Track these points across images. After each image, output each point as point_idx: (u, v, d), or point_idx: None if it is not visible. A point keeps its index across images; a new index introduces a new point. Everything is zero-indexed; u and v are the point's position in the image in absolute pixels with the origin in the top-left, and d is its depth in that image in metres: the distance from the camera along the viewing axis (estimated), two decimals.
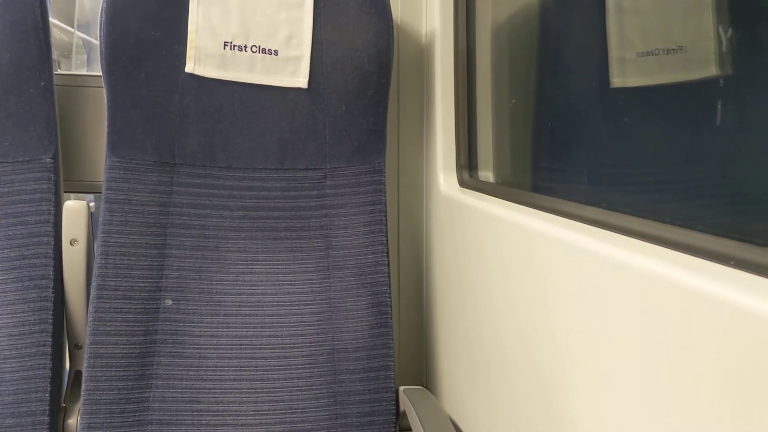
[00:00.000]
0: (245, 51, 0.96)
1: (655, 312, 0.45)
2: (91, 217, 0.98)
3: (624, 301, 0.49)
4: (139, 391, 0.90)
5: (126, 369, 0.89)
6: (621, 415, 0.50)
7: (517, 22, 0.96)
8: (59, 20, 2.26)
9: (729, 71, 0.53)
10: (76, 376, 0.98)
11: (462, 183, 1.01)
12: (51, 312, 0.91)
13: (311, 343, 0.94)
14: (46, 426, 0.88)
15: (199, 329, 0.93)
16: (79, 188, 1.07)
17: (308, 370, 0.93)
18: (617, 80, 0.68)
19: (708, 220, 0.52)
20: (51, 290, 0.91)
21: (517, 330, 0.70)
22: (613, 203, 0.62)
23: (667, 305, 0.44)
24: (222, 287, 0.95)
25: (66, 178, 1.01)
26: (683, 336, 0.42)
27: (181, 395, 0.90)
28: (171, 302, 0.93)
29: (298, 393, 0.93)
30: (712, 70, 0.55)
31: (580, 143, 0.77)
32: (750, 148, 0.50)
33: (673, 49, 0.60)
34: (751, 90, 0.50)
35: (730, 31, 0.53)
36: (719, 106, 0.54)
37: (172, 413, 0.90)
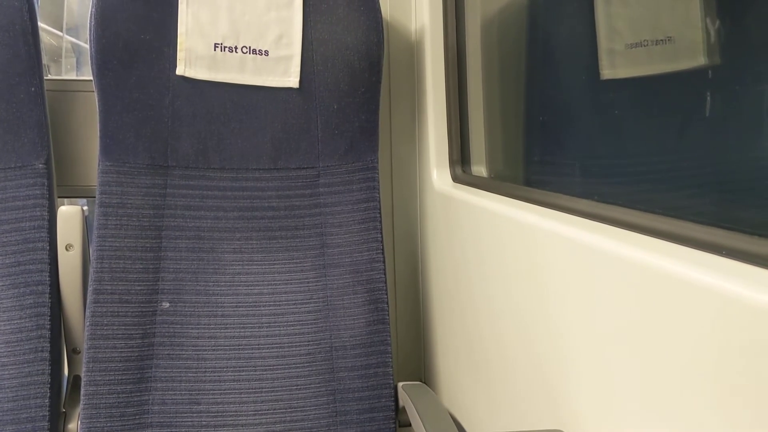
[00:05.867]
0: (236, 52, 0.96)
1: (651, 303, 0.46)
2: (86, 222, 0.97)
3: (621, 292, 0.50)
4: (138, 394, 0.90)
5: (125, 372, 0.89)
6: (621, 405, 0.50)
7: (507, 16, 0.96)
8: (48, 24, 2.25)
9: (717, 61, 0.54)
10: (75, 380, 0.98)
11: (455, 178, 1.02)
12: (48, 317, 0.91)
13: (309, 341, 0.95)
14: (47, 431, 0.88)
15: (196, 331, 0.93)
16: (73, 193, 1.07)
17: (307, 369, 0.94)
18: (607, 72, 0.68)
19: (699, 209, 0.53)
20: (47, 296, 0.91)
21: (515, 322, 0.71)
22: (605, 195, 0.62)
23: (662, 296, 0.44)
24: (219, 288, 0.95)
25: (59, 183, 1.01)
26: (679, 326, 0.43)
27: (180, 397, 0.91)
28: (168, 305, 0.93)
29: (298, 392, 0.93)
30: (700, 60, 0.55)
31: (572, 136, 0.77)
32: (740, 138, 0.50)
33: (661, 40, 0.60)
34: (740, 79, 0.51)
35: (717, 20, 0.53)
36: (708, 96, 0.54)
37: (171, 415, 0.90)
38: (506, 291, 0.72)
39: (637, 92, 0.64)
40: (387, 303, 0.97)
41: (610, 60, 0.67)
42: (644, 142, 0.62)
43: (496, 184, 0.90)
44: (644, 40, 0.62)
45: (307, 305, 0.96)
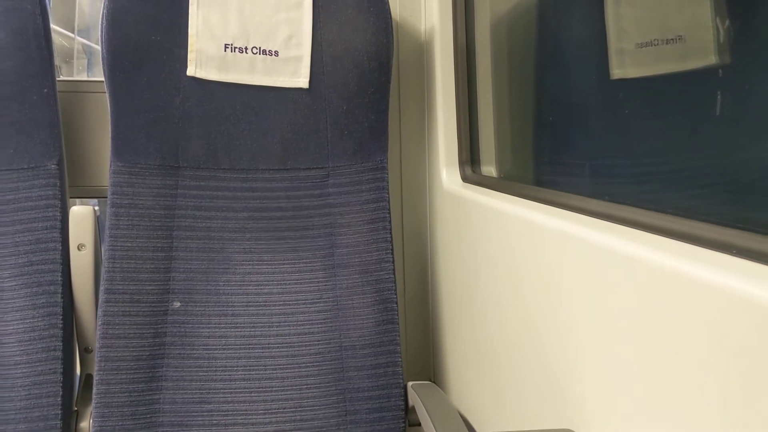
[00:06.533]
0: (246, 53, 0.97)
1: (661, 302, 0.46)
2: (98, 222, 0.98)
3: (631, 292, 0.49)
4: (150, 393, 0.90)
5: (136, 371, 0.90)
6: (631, 405, 0.50)
7: (516, 16, 0.96)
8: (59, 26, 2.26)
9: (728, 60, 0.54)
10: (87, 379, 0.98)
11: (465, 178, 1.02)
12: (60, 317, 0.92)
13: (318, 341, 0.95)
14: (59, 430, 0.89)
15: (207, 330, 0.93)
16: (85, 193, 1.08)
17: (316, 368, 0.94)
18: (617, 72, 0.68)
19: (710, 209, 0.53)
20: (60, 295, 0.92)
21: (524, 322, 0.71)
22: (616, 195, 0.62)
23: (672, 295, 0.44)
24: (229, 288, 0.95)
25: (71, 184, 1.02)
26: (689, 325, 0.43)
27: (191, 396, 0.91)
28: (179, 304, 0.93)
29: (307, 391, 0.93)
30: (711, 59, 0.55)
31: (582, 136, 0.77)
32: (752, 137, 0.50)
33: (671, 39, 0.60)
34: (751, 78, 0.51)
35: (728, 19, 0.53)
36: (719, 95, 0.54)
37: (182, 414, 0.90)
38: (515, 291, 0.72)
39: (648, 92, 0.64)
40: (396, 303, 0.97)
41: (620, 60, 0.67)
42: (655, 142, 0.62)
43: (506, 183, 0.90)
44: (654, 40, 0.62)
45: (316, 305, 0.96)
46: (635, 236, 0.51)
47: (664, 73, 0.62)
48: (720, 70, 0.54)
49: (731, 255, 0.42)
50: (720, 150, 0.54)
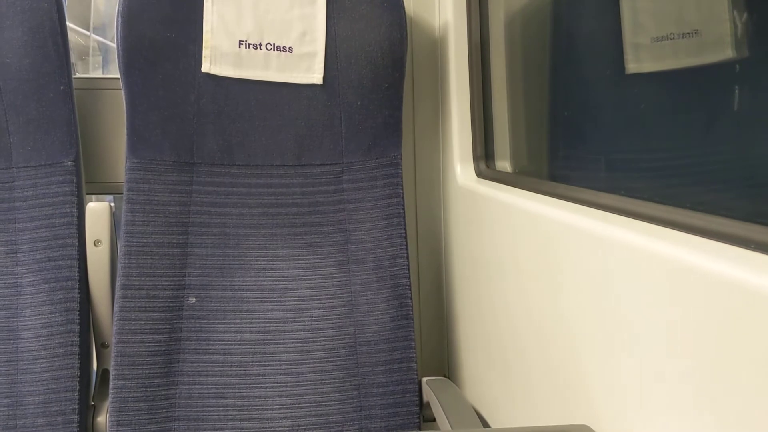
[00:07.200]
0: (260, 49, 0.97)
1: (679, 298, 0.45)
2: (114, 218, 0.99)
3: (644, 288, 0.49)
4: (166, 387, 0.91)
5: (152, 366, 0.91)
6: (648, 401, 0.50)
7: (530, 11, 0.96)
8: (75, 24, 2.28)
9: (745, 53, 0.53)
10: (103, 374, 0.99)
11: (479, 174, 1.01)
12: (77, 312, 0.92)
13: (333, 336, 0.95)
14: (76, 424, 0.90)
15: (222, 325, 0.94)
16: (101, 190, 1.09)
17: (331, 364, 0.94)
18: (632, 66, 0.68)
19: (727, 203, 0.52)
20: (77, 291, 0.93)
21: (537, 318, 0.70)
22: (632, 190, 0.62)
23: (686, 290, 0.44)
24: (244, 284, 0.96)
25: (87, 180, 1.03)
26: (702, 320, 0.42)
27: (207, 391, 0.92)
28: (195, 300, 0.94)
29: (322, 386, 0.93)
30: (728, 53, 0.55)
31: (597, 131, 0.77)
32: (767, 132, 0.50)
33: (688, 33, 0.60)
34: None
35: (744, 13, 0.53)
36: (736, 90, 0.54)
37: (198, 409, 0.91)
38: (530, 286, 0.72)
39: (664, 86, 0.64)
40: (411, 298, 0.97)
41: (635, 54, 0.67)
42: (671, 137, 0.62)
43: (521, 179, 0.90)
44: (670, 34, 0.61)
45: (331, 300, 0.97)
46: (651, 231, 0.51)
47: (680, 67, 0.61)
48: (737, 65, 0.54)
49: (749, 249, 0.42)
50: (737, 145, 0.54)
